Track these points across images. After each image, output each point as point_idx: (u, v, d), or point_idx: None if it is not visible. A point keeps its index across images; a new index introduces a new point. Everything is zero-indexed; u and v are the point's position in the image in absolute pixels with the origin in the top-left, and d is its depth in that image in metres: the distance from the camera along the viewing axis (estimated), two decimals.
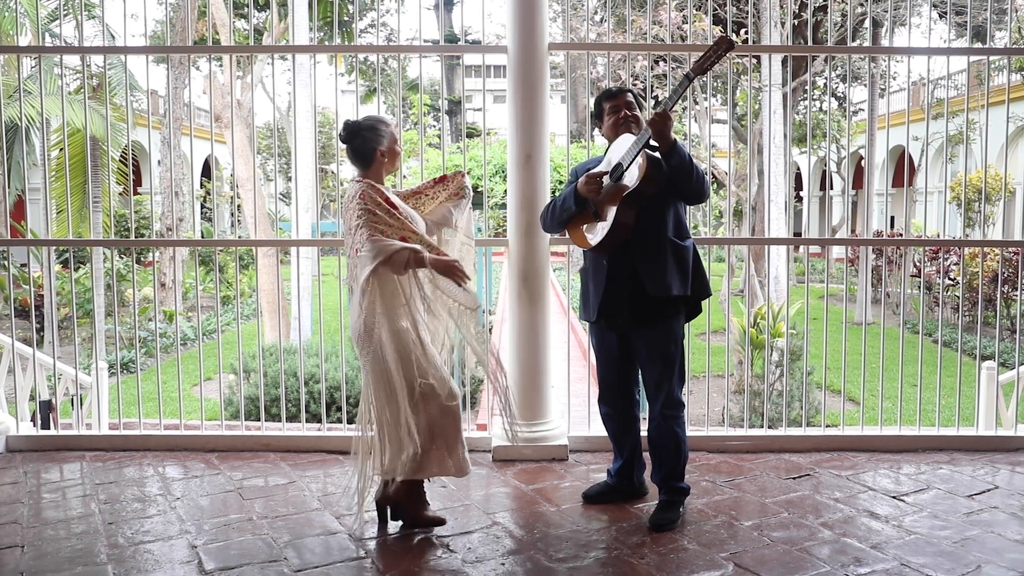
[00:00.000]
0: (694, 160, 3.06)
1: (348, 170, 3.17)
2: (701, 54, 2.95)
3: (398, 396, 2.93)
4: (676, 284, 3.12)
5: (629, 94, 3.27)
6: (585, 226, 3.21)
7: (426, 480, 3.16)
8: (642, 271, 3.12)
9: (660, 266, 3.11)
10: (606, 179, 3.11)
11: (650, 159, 3.02)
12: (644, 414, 3.74)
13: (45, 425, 4.54)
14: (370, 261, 2.87)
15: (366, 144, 3.03)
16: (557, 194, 3.38)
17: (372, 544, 3.00)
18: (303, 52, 5.25)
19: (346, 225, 3.00)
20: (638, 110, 3.25)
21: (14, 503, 3.45)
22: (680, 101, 3.11)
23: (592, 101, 3.46)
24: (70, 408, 5.30)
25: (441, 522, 3.12)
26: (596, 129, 3.41)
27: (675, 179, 3.04)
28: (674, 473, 3.23)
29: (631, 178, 3.03)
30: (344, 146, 3.09)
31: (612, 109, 3.24)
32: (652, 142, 3.04)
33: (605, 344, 3.35)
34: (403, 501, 3.10)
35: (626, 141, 3.12)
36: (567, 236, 3.39)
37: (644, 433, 3.42)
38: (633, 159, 3.02)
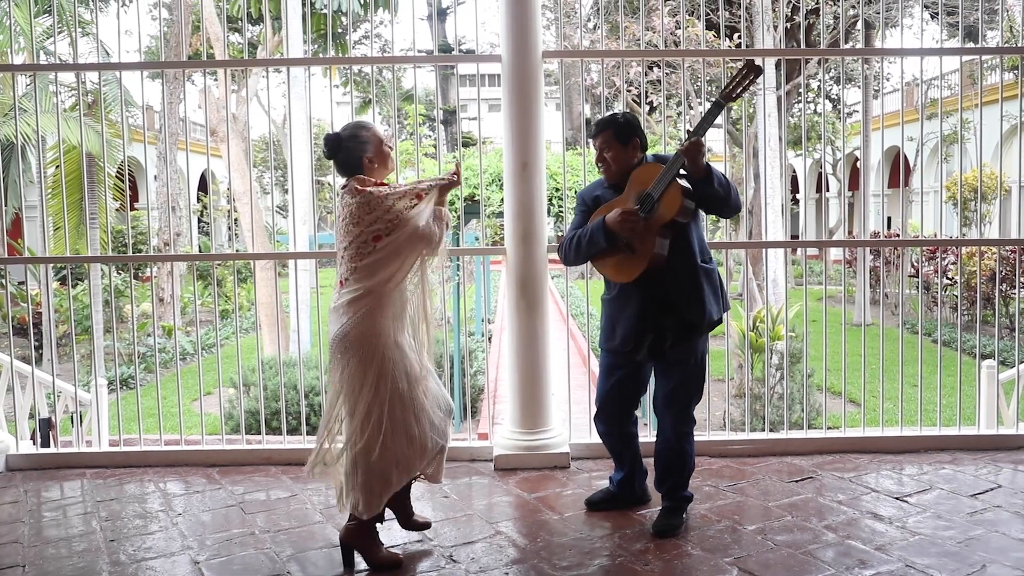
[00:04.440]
0: (725, 177, 3.02)
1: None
2: (729, 80, 2.95)
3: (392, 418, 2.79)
4: (714, 309, 3.10)
5: (603, 135, 3.13)
6: (617, 259, 3.11)
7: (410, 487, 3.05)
8: (677, 300, 3.06)
9: (696, 294, 3.06)
10: (641, 214, 3.01)
11: (684, 190, 2.96)
12: (645, 420, 3.71)
13: (45, 443, 4.53)
14: (432, 229, 2.79)
15: (351, 155, 2.88)
16: (569, 221, 3.26)
17: None
18: (298, 65, 5.26)
19: (361, 225, 2.79)
20: (612, 150, 3.11)
21: (15, 522, 3.43)
22: (681, 111, 3.09)
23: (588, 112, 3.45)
24: (70, 426, 5.29)
25: (398, 563, 2.89)
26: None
27: (711, 203, 3.02)
28: (679, 484, 3.22)
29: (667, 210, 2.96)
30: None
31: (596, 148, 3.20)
32: (683, 170, 2.99)
33: (618, 368, 3.25)
34: (353, 543, 2.90)
35: (652, 171, 3.02)
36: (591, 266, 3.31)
37: (644, 439, 3.42)
38: (665, 189, 2.95)
